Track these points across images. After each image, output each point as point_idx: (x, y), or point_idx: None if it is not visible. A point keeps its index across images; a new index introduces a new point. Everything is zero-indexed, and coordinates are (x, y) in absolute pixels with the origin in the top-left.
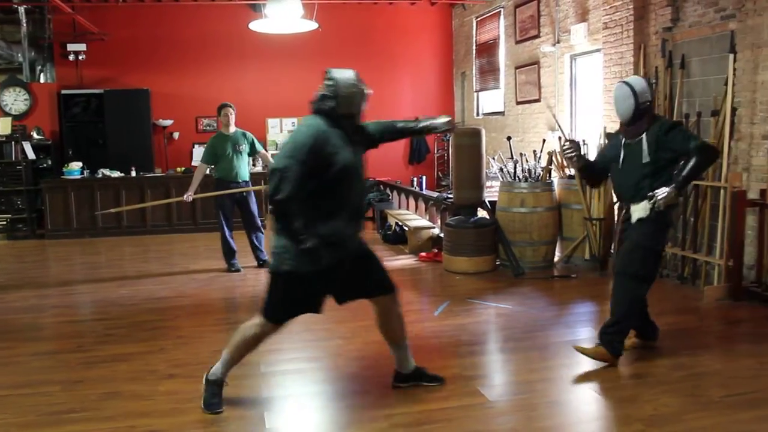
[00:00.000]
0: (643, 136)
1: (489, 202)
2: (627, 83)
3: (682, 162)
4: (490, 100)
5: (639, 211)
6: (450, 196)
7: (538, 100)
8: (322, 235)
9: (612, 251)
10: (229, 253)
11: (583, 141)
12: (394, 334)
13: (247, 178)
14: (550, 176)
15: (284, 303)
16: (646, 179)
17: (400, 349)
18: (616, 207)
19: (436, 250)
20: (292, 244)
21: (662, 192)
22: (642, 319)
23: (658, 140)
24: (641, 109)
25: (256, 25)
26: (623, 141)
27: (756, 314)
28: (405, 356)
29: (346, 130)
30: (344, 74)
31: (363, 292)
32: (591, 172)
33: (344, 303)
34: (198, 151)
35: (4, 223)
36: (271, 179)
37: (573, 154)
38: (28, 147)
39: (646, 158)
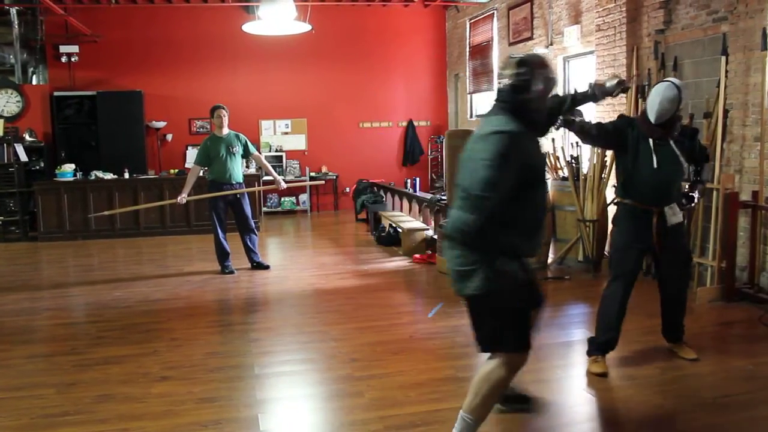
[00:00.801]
0: (669, 140)
1: None
2: (677, 86)
3: (700, 168)
4: (484, 102)
5: (678, 215)
6: (444, 197)
7: None
8: (515, 250)
9: (606, 252)
10: (222, 255)
11: (577, 143)
12: None
13: (241, 180)
14: None
15: (517, 320)
16: (679, 182)
17: None
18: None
19: (430, 252)
20: (483, 259)
21: (698, 195)
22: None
23: (685, 145)
24: (677, 114)
25: (249, 27)
26: (650, 140)
27: (748, 315)
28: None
29: (537, 128)
30: (537, 59)
31: None
32: (582, 135)
33: None
34: (191, 153)
35: None
36: (457, 199)
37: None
38: (20, 149)
39: (684, 162)
